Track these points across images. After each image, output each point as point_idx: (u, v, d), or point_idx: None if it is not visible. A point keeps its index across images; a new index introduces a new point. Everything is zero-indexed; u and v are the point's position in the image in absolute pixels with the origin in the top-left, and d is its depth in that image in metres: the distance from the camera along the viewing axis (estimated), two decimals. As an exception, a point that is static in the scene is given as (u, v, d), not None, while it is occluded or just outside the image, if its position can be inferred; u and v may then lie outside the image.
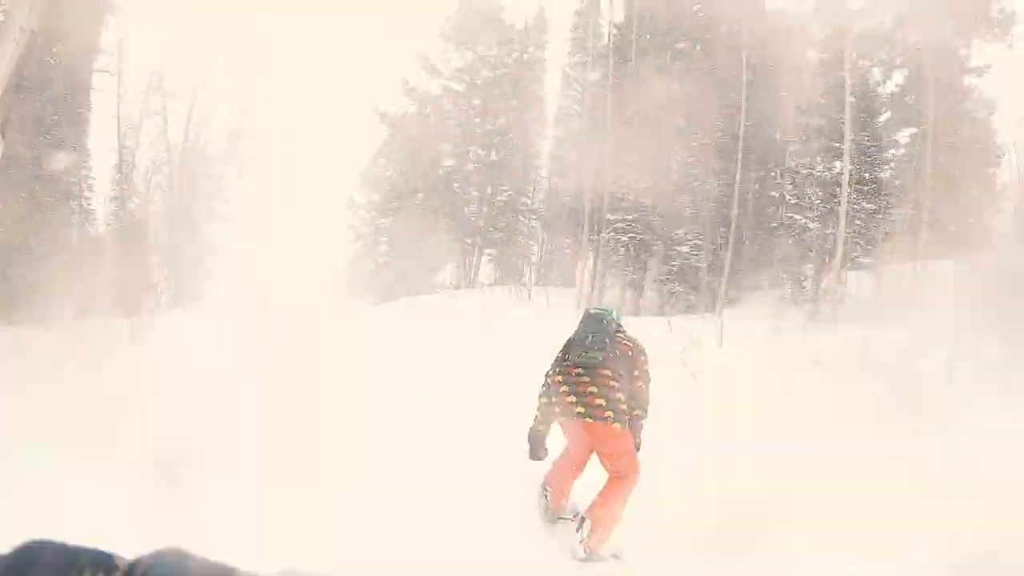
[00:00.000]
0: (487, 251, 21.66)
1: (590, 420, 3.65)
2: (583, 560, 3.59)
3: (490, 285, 21.05)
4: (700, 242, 16.79)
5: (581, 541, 3.59)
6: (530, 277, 21.34)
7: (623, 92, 17.39)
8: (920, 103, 15.83)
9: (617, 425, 3.67)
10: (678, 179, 17.49)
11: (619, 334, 3.92)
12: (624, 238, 16.87)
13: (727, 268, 16.07)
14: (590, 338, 3.77)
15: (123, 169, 18.87)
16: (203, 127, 21.29)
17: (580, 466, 3.97)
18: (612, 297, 18.20)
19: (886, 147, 16.05)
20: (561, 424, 3.87)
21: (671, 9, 17.10)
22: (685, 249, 16.82)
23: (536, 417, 3.90)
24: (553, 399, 3.84)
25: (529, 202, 21.99)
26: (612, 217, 16.98)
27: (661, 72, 16.85)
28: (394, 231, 23.41)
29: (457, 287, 20.70)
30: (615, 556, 3.71)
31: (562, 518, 4.00)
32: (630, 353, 3.84)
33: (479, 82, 21.28)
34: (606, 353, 3.74)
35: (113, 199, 18.72)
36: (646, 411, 3.81)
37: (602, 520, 3.62)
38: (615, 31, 18.53)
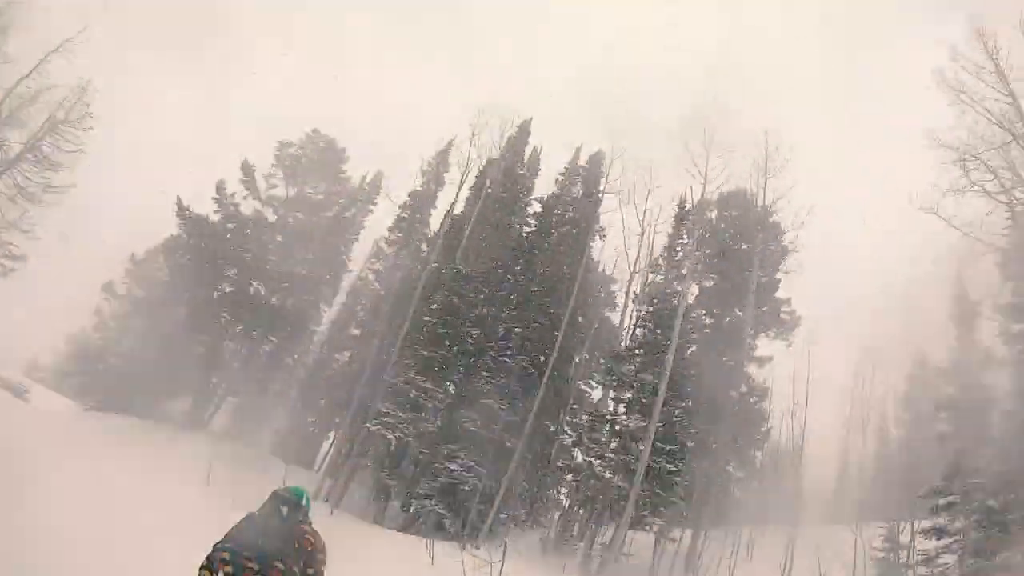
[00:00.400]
0: (230, 398, 23.91)
1: None
2: None
3: (224, 435, 23.63)
4: (473, 463, 18.59)
5: None
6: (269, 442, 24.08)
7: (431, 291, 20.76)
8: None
9: None
10: (458, 390, 20.65)
11: (303, 524, 4.24)
12: (391, 435, 18.50)
13: (499, 497, 18.43)
14: (271, 523, 4.12)
15: None
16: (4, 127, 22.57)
17: None
18: (359, 496, 20.13)
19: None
20: None
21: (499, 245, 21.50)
22: (454, 467, 18.47)
23: None
24: None
25: (291, 362, 24.91)
26: (383, 409, 18.85)
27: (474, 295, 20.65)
28: (142, 337, 24.28)
29: (186, 424, 22.19)
30: None
31: None
32: (309, 548, 4.12)
33: (291, 220, 24.54)
34: (284, 545, 4.04)
35: None
36: None
37: None
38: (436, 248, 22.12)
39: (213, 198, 24.24)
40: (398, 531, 18.06)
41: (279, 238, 24.51)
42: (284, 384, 24.91)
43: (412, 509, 19.57)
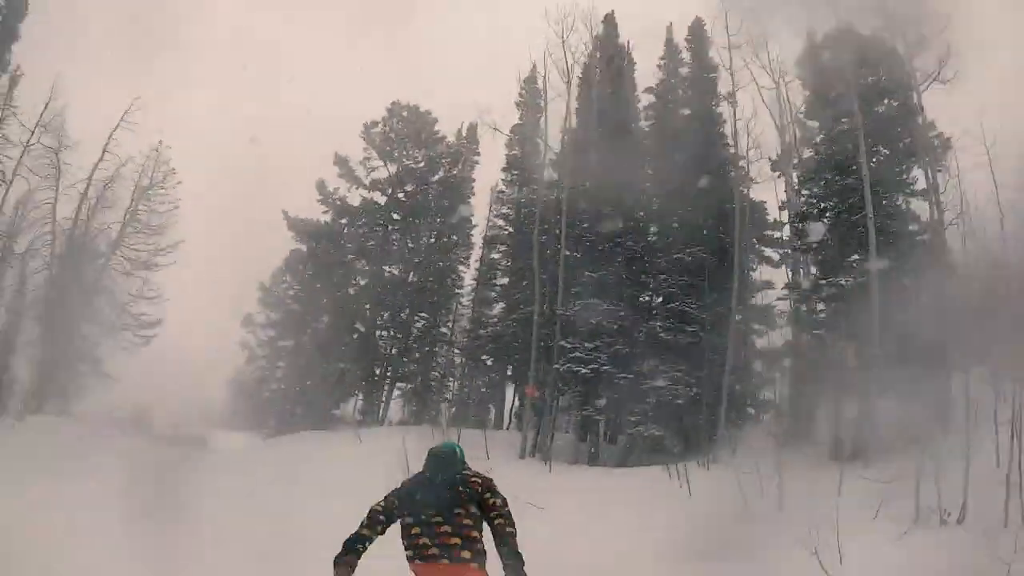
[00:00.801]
0: (398, 385, 23.17)
1: (447, 562, 3.99)
2: None
3: (400, 424, 23.19)
4: (680, 373, 16.71)
5: None
6: (446, 417, 23.57)
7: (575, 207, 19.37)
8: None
9: (475, 565, 4.02)
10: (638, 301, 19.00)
11: (466, 471, 4.35)
12: (583, 369, 17.13)
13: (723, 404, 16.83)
14: (439, 477, 4.24)
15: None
16: (97, 213, 23.97)
17: None
18: (563, 443, 18.81)
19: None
20: (417, 570, 4.13)
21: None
22: (661, 383, 16.67)
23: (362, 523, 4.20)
24: (404, 541, 4.17)
25: (447, 332, 23.99)
26: (566, 344, 17.57)
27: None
28: (294, 355, 25.07)
29: (362, 423, 21.63)
30: None
31: None
32: (479, 490, 4.19)
33: (402, 196, 23.49)
34: (458, 492, 4.16)
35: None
36: (513, 524, 4.16)
37: None
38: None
39: (318, 200, 23.65)
40: (616, 467, 16.88)
41: (396, 216, 23.63)
42: (446, 356, 24.06)
43: (626, 440, 18.30)
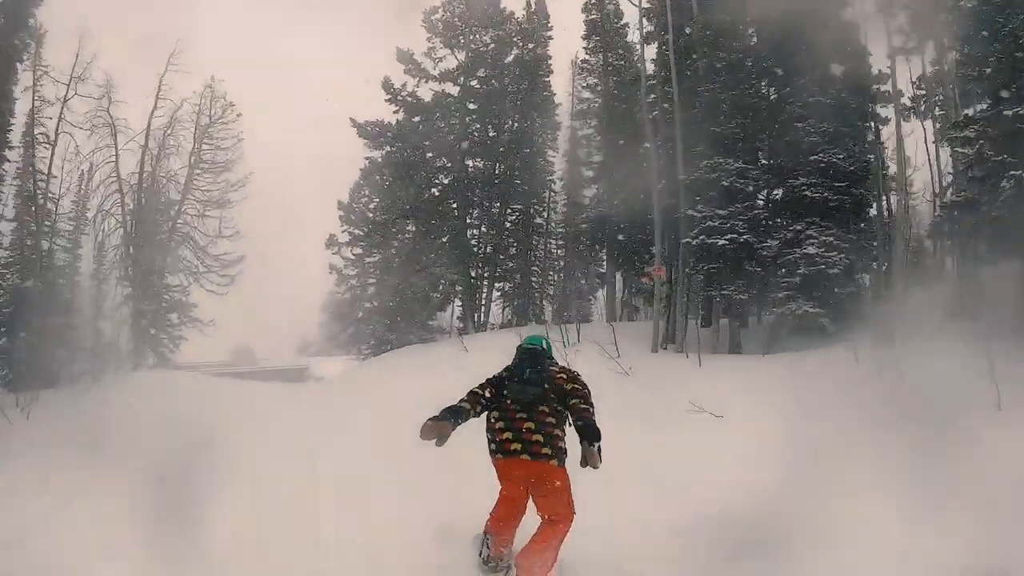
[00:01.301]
0: (496, 286, 21.61)
1: (527, 458, 4.20)
2: None
3: (503, 327, 21.20)
4: (832, 237, 14.28)
5: None
6: (551, 314, 21.27)
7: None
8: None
9: (555, 463, 4.22)
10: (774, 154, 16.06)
11: (552, 367, 4.53)
12: (719, 240, 14.81)
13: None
14: (528, 373, 4.35)
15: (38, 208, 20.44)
16: (161, 162, 22.97)
17: (519, 510, 4.52)
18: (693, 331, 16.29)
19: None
20: (497, 464, 4.39)
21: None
22: (812, 249, 14.20)
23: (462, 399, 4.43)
24: (488, 436, 4.42)
25: (543, 222, 22.13)
26: (695, 213, 15.18)
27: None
28: (383, 270, 24.16)
29: (463, 331, 20.67)
30: None
31: (505, 566, 4.59)
32: (565, 385, 4.37)
33: (475, 84, 21.39)
34: (544, 388, 4.30)
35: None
36: (590, 404, 4.28)
37: (533, 569, 4.09)
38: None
39: (386, 100, 21.73)
40: (764, 354, 14.35)
41: (472, 106, 21.62)
42: (544, 249, 22.35)
43: (771, 322, 15.77)
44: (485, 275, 21.33)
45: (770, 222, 15.26)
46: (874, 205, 15.90)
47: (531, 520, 4.58)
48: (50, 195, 21.36)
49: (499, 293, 21.58)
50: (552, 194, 21.97)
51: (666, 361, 13.96)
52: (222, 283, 24.18)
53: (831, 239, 14.22)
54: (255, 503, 6.18)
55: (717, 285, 15.42)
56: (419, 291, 20.55)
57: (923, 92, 16.19)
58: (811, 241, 14.26)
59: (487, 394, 4.50)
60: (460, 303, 21.08)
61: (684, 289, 16.52)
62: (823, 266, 14.05)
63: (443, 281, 20.49)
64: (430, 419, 4.20)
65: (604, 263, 21.41)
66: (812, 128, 14.68)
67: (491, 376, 4.67)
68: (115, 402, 12.42)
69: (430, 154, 21.04)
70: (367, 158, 21.88)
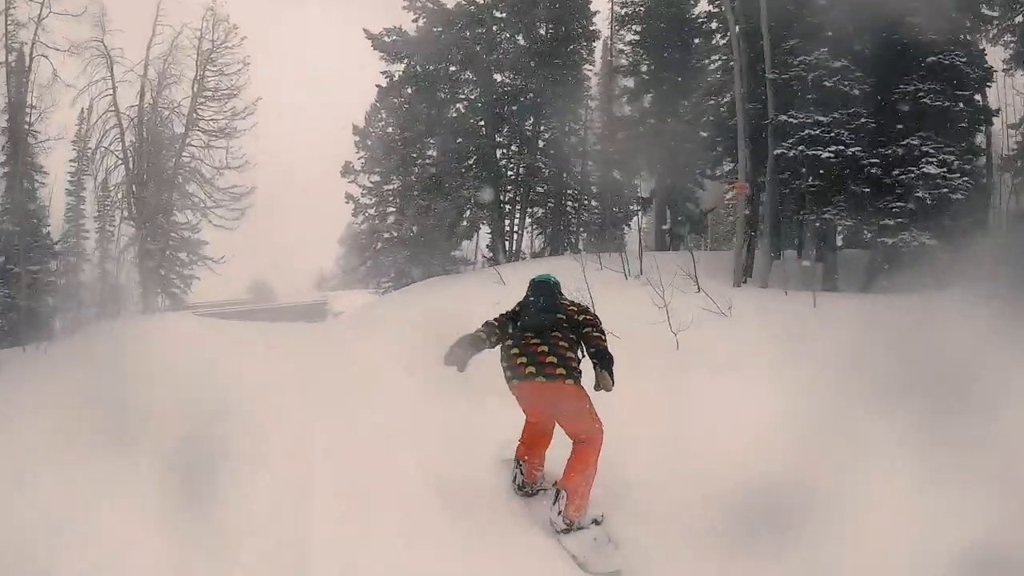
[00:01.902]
0: (529, 211, 19.49)
1: (543, 379, 4.24)
2: (564, 531, 4.17)
3: (535, 257, 19.19)
4: (954, 156, 11.83)
5: (560, 513, 4.19)
6: (599, 243, 19.49)
7: None
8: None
9: (571, 382, 4.25)
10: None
11: (564, 301, 4.63)
12: (821, 152, 12.11)
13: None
14: (541, 301, 4.50)
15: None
16: (163, 92, 21.45)
17: (545, 434, 4.66)
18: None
19: None
20: (514, 389, 4.43)
21: None
22: (931, 168, 11.72)
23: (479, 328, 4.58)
24: (503, 364, 4.51)
25: (579, 142, 19.52)
26: (790, 119, 12.45)
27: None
28: (403, 197, 22.52)
29: (492, 260, 18.73)
30: (596, 522, 4.28)
31: (540, 490, 4.68)
32: (576, 316, 4.47)
33: None
34: (555, 316, 4.43)
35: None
36: (602, 332, 4.38)
37: (577, 488, 4.19)
38: None
39: (403, 7, 19.23)
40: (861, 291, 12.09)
41: (499, 14, 18.79)
42: (582, 170, 20.16)
43: (877, 254, 12.91)
44: (517, 199, 19.08)
45: (879, 135, 12.53)
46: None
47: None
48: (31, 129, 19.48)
49: (530, 220, 19.39)
50: (589, 110, 19.59)
51: (762, 299, 10.98)
52: (231, 217, 22.64)
53: (951, 157, 11.78)
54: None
55: (814, 208, 12.83)
56: (444, 218, 18.45)
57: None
58: (929, 159, 11.75)
59: (500, 326, 4.61)
60: (489, 231, 18.91)
61: (770, 212, 13.75)
62: (945, 190, 11.62)
63: (470, 206, 18.34)
64: (453, 346, 4.39)
65: (642, 187, 19.23)
66: (927, 24, 11.89)
67: (504, 312, 4.77)
68: (96, 355, 10.35)
69: (453, 67, 18.68)
70: (384, 73, 19.54)
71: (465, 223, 18.73)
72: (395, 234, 21.85)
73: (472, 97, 18.65)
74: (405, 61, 18.78)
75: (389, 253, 21.57)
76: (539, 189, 19.08)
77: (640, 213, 19.15)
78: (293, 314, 22.33)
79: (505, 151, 18.97)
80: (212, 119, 22.07)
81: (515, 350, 4.45)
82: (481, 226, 19.08)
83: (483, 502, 4.58)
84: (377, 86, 19.50)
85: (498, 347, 4.64)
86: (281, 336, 12.45)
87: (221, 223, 22.17)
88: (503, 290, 12.23)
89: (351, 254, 23.56)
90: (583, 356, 4.45)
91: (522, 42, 18.80)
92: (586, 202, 19.56)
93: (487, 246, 19.22)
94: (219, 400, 6.55)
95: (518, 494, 4.76)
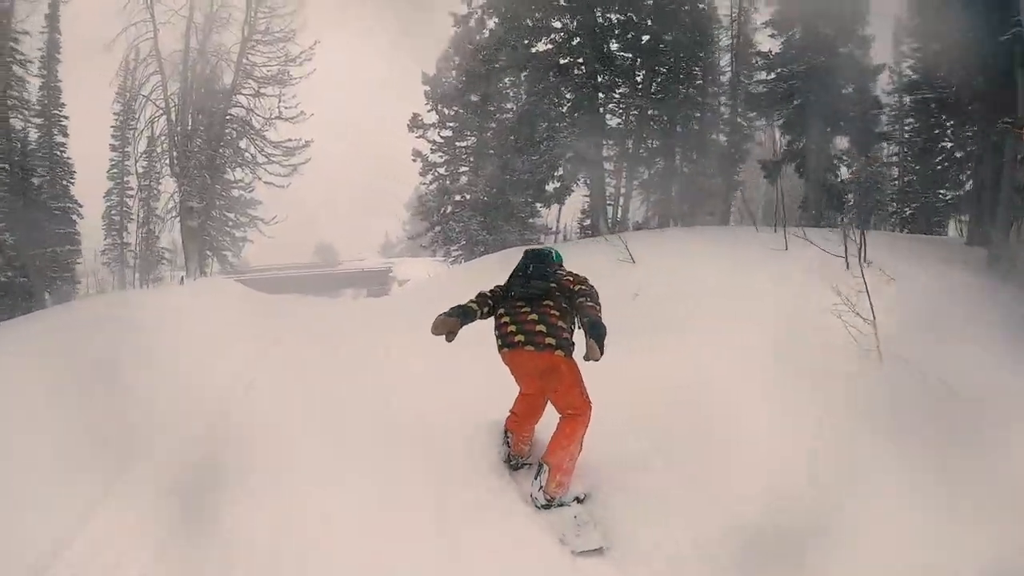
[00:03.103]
0: (639, 172, 15.13)
1: (532, 348, 4.06)
2: (545, 507, 4.02)
3: (638, 228, 15.96)
4: None
5: (540, 488, 4.05)
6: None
7: None
8: None
9: (560, 353, 4.06)
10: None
11: (560, 271, 4.41)
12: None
13: None
14: (531, 268, 4.31)
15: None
16: (211, 37, 18.80)
17: (536, 407, 4.44)
18: None
19: None
20: (504, 358, 4.20)
21: None
22: None
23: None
24: (495, 332, 4.27)
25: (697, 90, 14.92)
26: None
27: None
28: (478, 155, 18.99)
29: (593, 231, 14.73)
30: (578, 500, 4.11)
31: (525, 463, 4.50)
32: (572, 286, 4.21)
33: None
34: (549, 286, 4.22)
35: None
36: (596, 302, 4.05)
37: (560, 464, 4.01)
38: None
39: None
40: None
41: None
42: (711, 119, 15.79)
43: None
44: (624, 158, 14.97)
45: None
46: None
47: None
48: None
49: (637, 183, 15.32)
50: (716, 52, 15.28)
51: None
52: (284, 174, 19.50)
53: None
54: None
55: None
56: (535, 172, 14.56)
57: None
58: None
59: (492, 298, 4.40)
60: (587, 193, 14.88)
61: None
62: None
63: (563, 161, 14.35)
64: (441, 314, 4.11)
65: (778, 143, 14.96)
66: None
67: (502, 284, 4.49)
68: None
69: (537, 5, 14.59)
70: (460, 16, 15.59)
71: (556, 182, 14.68)
72: (467, 196, 18.20)
73: (571, 26, 14.50)
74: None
75: (460, 218, 17.92)
76: (651, 144, 14.84)
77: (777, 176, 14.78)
78: (356, 281, 20.57)
79: (606, 95, 14.77)
80: (263, 64, 18.90)
81: (506, 318, 4.19)
82: (575, 187, 15.01)
83: (467, 473, 4.27)
84: (453, 24, 15.41)
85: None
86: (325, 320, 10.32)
87: (272, 180, 19.10)
88: (633, 271, 8.47)
89: (417, 218, 20.01)
90: (577, 327, 4.12)
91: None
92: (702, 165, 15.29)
93: (582, 212, 15.16)
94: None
95: (506, 465, 4.50)
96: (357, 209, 20.45)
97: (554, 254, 4.55)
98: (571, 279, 4.27)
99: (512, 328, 4.12)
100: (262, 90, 19.03)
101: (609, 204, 15.17)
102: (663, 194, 14.93)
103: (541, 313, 4.11)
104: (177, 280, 17.84)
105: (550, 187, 14.69)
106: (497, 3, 14.21)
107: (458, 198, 18.23)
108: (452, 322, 4.07)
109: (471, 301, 4.28)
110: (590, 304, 4.02)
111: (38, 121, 17.85)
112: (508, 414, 4.59)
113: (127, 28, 17.40)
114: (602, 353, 3.73)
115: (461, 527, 3.79)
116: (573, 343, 4.13)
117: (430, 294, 11.17)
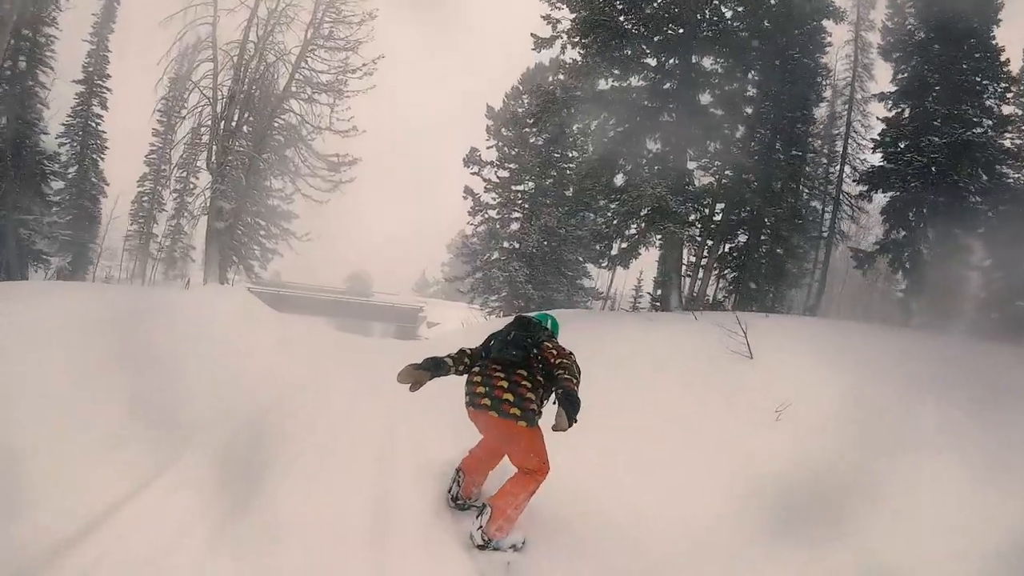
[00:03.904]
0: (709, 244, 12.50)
1: (495, 415, 3.82)
2: (480, 547, 3.77)
3: (709, 309, 13.08)
4: None
5: (480, 528, 3.81)
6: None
7: None
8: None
9: (523, 424, 3.81)
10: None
11: (547, 343, 4.02)
12: None
13: None
14: (512, 335, 4.03)
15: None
16: (273, 32, 17.36)
17: (494, 455, 4.24)
18: None
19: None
20: (469, 415, 3.98)
21: None
22: None
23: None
24: (465, 388, 3.99)
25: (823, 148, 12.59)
26: None
27: None
28: (534, 203, 16.61)
29: (662, 305, 11.88)
30: (514, 548, 3.86)
31: (472, 505, 4.24)
32: (553, 360, 3.88)
33: None
34: (527, 354, 3.94)
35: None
36: (574, 375, 3.77)
37: (504, 509, 3.84)
38: None
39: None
40: None
41: None
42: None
43: None
44: (717, 215, 12.49)
45: None
46: None
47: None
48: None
49: (709, 257, 12.84)
50: (824, 119, 12.92)
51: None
52: (324, 188, 17.40)
53: None
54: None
55: None
56: (595, 231, 12.14)
57: None
58: None
59: (471, 356, 4.16)
60: (662, 258, 12.36)
61: None
62: None
63: (638, 220, 11.88)
64: (410, 365, 3.90)
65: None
66: None
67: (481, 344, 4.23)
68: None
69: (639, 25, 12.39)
70: (546, 19, 13.35)
71: (624, 242, 12.20)
72: (516, 245, 15.85)
73: (668, 64, 12.26)
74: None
75: (506, 267, 15.54)
76: (741, 212, 12.35)
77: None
78: (386, 315, 19.14)
79: (697, 149, 12.39)
80: (323, 73, 17.28)
81: (477, 378, 3.96)
82: (643, 251, 12.51)
83: (409, 510, 4.03)
84: (533, 37, 13.18)
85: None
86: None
87: (310, 193, 17.25)
88: (752, 371, 5.92)
89: (459, 261, 17.69)
90: (550, 400, 3.88)
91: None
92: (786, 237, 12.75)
93: (655, 280, 12.61)
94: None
95: (450, 505, 4.23)
96: (396, 241, 18.71)
97: (550, 322, 4.37)
98: (554, 352, 3.97)
99: (481, 390, 3.90)
100: (315, 96, 17.32)
101: (697, 273, 12.62)
102: (741, 272, 12.31)
103: (512, 381, 3.88)
104: (183, 283, 15.81)
105: (616, 246, 12.10)
106: (585, 28, 11.93)
107: (506, 245, 15.92)
108: (420, 374, 3.84)
109: (448, 356, 4.06)
110: (568, 376, 3.75)
111: (80, 89, 16.50)
112: (466, 454, 4.36)
113: (188, 7, 15.92)
114: (571, 424, 3.48)
115: (390, 557, 3.49)
116: (539, 412, 3.89)
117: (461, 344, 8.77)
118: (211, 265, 16.82)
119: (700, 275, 11.98)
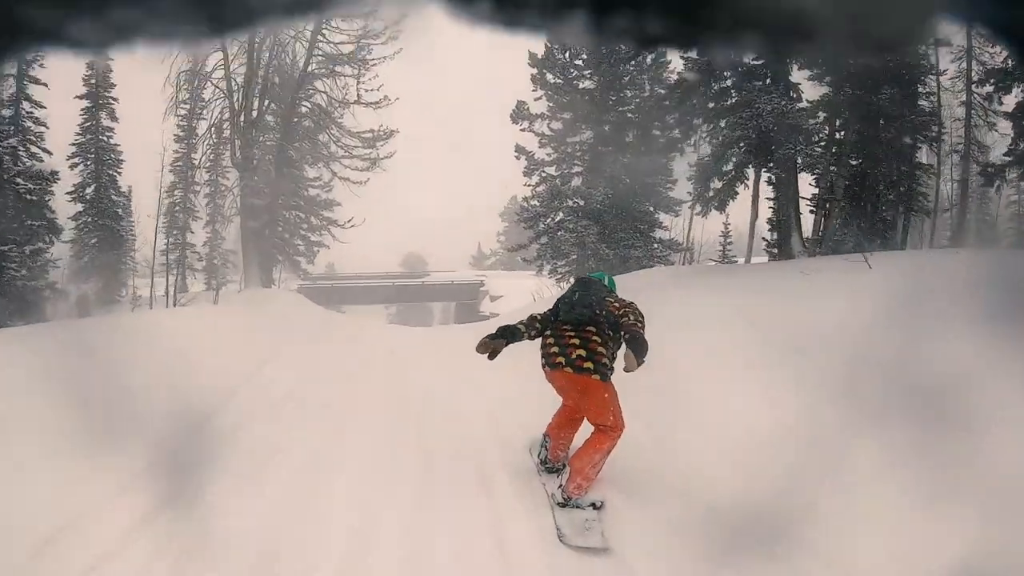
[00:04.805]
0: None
1: (570, 370, 3.87)
2: (561, 505, 3.83)
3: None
4: None
5: (560, 487, 3.91)
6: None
7: None
8: None
9: (596, 377, 3.86)
10: None
11: (609, 298, 4.03)
12: None
13: None
14: (577, 296, 4.09)
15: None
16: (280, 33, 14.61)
17: (574, 419, 4.24)
18: None
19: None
20: (547, 375, 4.03)
21: None
22: None
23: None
24: (541, 351, 4.05)
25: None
26: None
27: None
28: (594, 152, 14.57)
29: (780, 252, 10.18)
30: (594, 506, 3.86)
31: (559, 469, 4.29)
32: (618, 312, 3.89)
33: None
34: (594, 312, 3.98)
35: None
36: (640, 320, 3.77)
37: (581, 468, 3.86)
38: None
39: None
40: None
41: None
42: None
43: None
44: (833, 145, 10.27)
45: None
46: None
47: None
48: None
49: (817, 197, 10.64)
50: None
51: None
52: (362, 168, 15.72)
53: None
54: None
55: None
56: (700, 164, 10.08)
57: None
58: None
59: (541, 321, 4.15)
60: (774, 196, 10.20)
61: None
62: None
63: (736, 151, 9.74)
64: (487, 336, 3.98)
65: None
66: None
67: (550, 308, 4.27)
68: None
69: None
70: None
71: (728, 176, 10.09)
72: (582, 202, 13.83)
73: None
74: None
75: (573, 228, 13.58)
76: (854, 131, 10.09)
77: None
78: (445, 294, 18.07)
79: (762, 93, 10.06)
80: (342, 44, 15.53)
81: (550, 340, 4.01)
82: (738, 191, 10.40)
83: (497, 472, 4.23)
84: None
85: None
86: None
87: (348, 175, 15.70)
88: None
89: (517, 227, 15.79)
90: (620, 353, 3.85)
91: None
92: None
93: (769, 222, 10.44)
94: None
95: (538, 469, 4.37)
96: (447, 215, 17.01)
97: (607, 279, 4.32)
98: (616, 304, 3.95)
99: (555, 350, 3.94)
100: (339, 69, 15.59)
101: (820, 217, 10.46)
102: (864, 202, 10.11)
103: (583, 338, 3.92)
104: (213, 295, 14.15)
105: (714, 185, 9.99)
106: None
107: (571, 203, 13.91)
108: (496, 342, 3.91)
109: (520, 322, 4.08)
110: (633, 321, 3.76)
111: (84, 104, 14.70)
112: (551, 421, 4.36)
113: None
114: (640, 364, 3.49)
115: (473, 512, 3.71)
116: (612, 368, 3.91)
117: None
118: (250, 268, 15.49)
119: (825, 209, 9.77)
